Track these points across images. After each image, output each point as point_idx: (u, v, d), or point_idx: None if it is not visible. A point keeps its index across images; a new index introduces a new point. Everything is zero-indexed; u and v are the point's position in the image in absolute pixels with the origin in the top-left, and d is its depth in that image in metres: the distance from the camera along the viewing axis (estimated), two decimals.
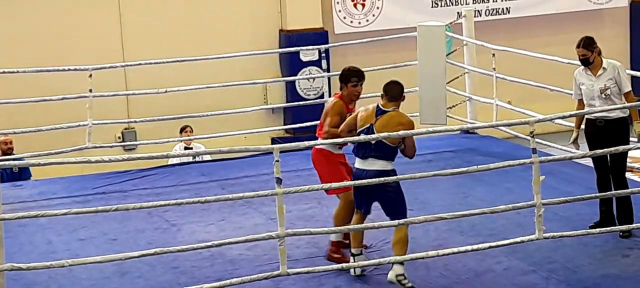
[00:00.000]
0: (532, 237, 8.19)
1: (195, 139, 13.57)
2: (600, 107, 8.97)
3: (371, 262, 8.18)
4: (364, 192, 8.07)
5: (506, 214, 8.83)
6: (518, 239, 8.27)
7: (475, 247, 8.31)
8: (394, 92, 8.25)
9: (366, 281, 8.14)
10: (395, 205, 8.11)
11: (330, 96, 13.94)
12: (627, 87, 9.10)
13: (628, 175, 11.91)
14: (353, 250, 8.25)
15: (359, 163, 8.14)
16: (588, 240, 8.67)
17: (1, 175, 12.05)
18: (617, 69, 9.12)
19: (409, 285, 7.87)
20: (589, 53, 9.18)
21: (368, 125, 8.09)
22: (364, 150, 8.06)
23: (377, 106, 8.18)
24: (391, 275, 7.90)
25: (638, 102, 8.86)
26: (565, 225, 9.04)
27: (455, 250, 8.22)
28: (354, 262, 8.18)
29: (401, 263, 7.89)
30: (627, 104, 8.92)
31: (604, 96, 9.07)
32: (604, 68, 9.14)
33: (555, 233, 8.33)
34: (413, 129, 8.08)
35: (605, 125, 8.99)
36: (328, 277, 8.16)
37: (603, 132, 9.00)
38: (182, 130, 13.73)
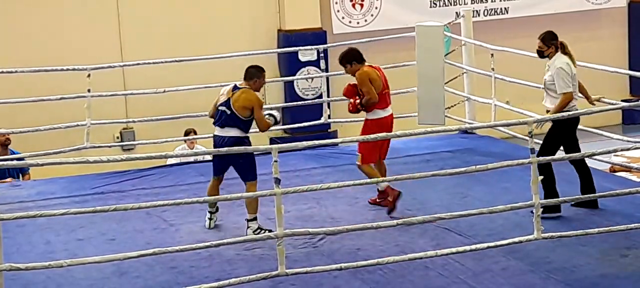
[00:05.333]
0: (530, 237, 8.21)
1: (197, 138, 13.56)
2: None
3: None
4: (220, 158, 9.41)
5: (504, 214, 8.84)
6: (516, 239, 8.29)
7: (473, 247, 8.32)
8: (248, 73, 9.48)
9: (365, 280, 8.14)
10: (246, 169, 9.33)
11: (328, 96, 13.97)
12: (561, 89, 9.37)
13: (628, 175, 11.96)
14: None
15: (218, 131, 9.38)
16: (586, 240, 8.67)
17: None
18: (556, 69, 9.39)
19: (266, 229, 9.03)
20: (544, 47, 9.53)
21: (226, 99, 9.34)
22: (221, 120, 9.36)
23: (235, 85, 9.46)
24: (249, 233, 9.11)
25: (558, 114, 9.10)
26: (563, 225, 9.05)
27: (453, 250, 8.24)
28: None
29: (253, 219, 9.21)
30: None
31: (546, 88, 9.52)
32: (549, 65, 9.48)
33: (553, 233, 8.35)
34: (260, 106, 9.37)
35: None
36: (326, 277, 8.16)
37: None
38: (187, 133, 13.69)
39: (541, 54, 9.57)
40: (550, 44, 9.49)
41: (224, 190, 10.82)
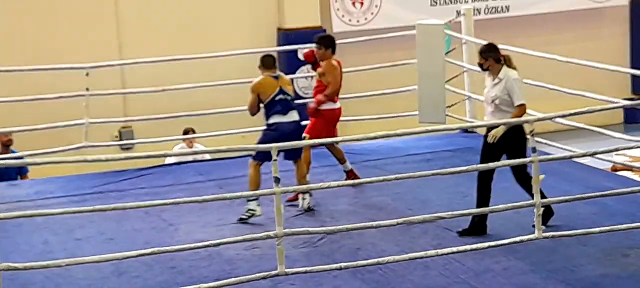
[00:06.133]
0: (531, 236, 8.19)
1: (196, 137, 13.53)
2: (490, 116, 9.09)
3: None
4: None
5: (505, 213, 8.82)
6: (517, 239, 8.27)
7: (474, 246, 8.30)
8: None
9: (365, 280, 8.11)
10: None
11: None
12: (519, 100, 8.98)
13: (628, 174, 11.94)
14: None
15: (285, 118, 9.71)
16: (587, 239, 8.65)
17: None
18: (511, 81, 8.98)
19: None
20: (482, 60, 9.12)
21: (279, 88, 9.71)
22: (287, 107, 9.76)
23: (272, 77, 9.76)
24: (305, 204, 9.81)
25: (523, 118, 8.79)
26: (564, 224, 9.02)
27: (454, 249, 8.22)
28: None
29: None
30: (512, 118, 8.85)
31: (493, 105, 9.05)
32: (499, 78, 9.05)
33: (554, 233, 8.33)
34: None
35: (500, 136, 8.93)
36: (326, 276, 8.13)
37: (497, 141, 8.97)
38: (186, 132, 13.67)
39: (481, 66, 9.17)
40: (487, 56, 9.09)
41: (224, 189, 10.81)
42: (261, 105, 9.76)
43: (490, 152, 8.98)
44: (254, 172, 9.66)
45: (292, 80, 10.03)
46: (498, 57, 9.08)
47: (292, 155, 9.80)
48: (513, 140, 8.90)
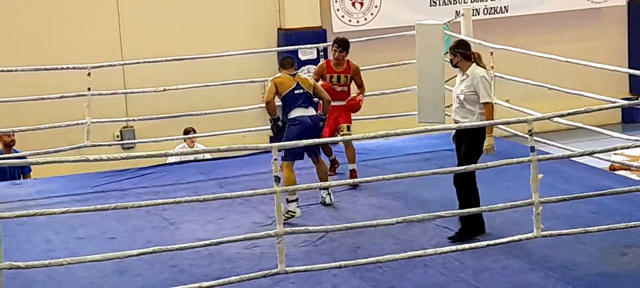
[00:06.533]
0: (530, 235, 8.20)
1: (197, 137, 13.56)
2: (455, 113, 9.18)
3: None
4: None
5: (504, 212, 8.84)
6: (516, 237, 8.28)
7: (473, 245, 8.32)
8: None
9: (365, 279, 8.14)
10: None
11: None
12: (485, 98, 9.01)
13: (626, 173, 11.96)
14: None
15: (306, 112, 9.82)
16: (586, 238, 8.67)
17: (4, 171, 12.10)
18: (477, 78, 9.01)
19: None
20: (452, 56, 9.18)
21: (295, 84, 9.83)
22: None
23: (290, 75, 9.88)
24: (327, 199, 10.01)
25: (487, 121, 8.82)
26: (563, 223, 9.04)
27: (453, 248, 8.24)
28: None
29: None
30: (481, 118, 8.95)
31: (458, 101, 9.10)
32: (467, 75, 9.10)
33: (553, 232, 8.34)
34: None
35: (460, 130, 9.01)
36: (326, 275, 8.16)
37: (459, 136, 9.08)
38: (187, 132, 13.70)
39: (451, 62, 9.26)
40: (456, 52, 9.14)
41: (225, 188, 10.84)
42: (278, 100, 9.85)
43: (465, 155, 9.05)
44: (288, 172, 9.58)
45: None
46: (467, 53, 9.13)
47: (314, 150, 9.84)
48: (472, 139, 8.97)
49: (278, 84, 9.80)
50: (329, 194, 10.01)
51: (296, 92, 9.77)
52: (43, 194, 11.05)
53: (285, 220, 9.38)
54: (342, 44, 10.83)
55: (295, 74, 9.97)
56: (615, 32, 18.88)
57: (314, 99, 9.96)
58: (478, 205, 8.89)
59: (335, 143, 10.90)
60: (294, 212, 9.58)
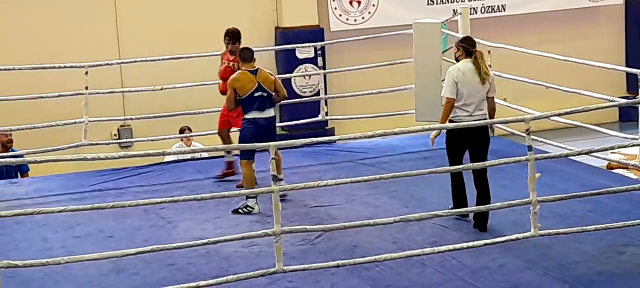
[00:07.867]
0: (527, 234, 8.21)
1: (194, 136, 13.56)
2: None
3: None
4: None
5: (501, 211, 8.85)
6: (513, 236, 8.29)
7: (470, 244, 8.32)
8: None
9: (362, 278, 8.15)
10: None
11: (326, 93, 13.98)
12: (442, 92, 9.30)
13: (623, 172, 11.97)
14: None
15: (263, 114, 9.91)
16: (583, 237, 8.68)
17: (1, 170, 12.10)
18: (446, 72, 9.26)
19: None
20: (456, 49, 9.39)
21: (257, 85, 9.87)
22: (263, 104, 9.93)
23: (251, 72, 9.89)
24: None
25: (490, 120, 9.01)
26: (560, 222, 9.06)
27: (450, 247, 8.25)
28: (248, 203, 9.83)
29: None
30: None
31: None
32: None
33: (550, 231, 8.35)
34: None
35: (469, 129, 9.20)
36: (324, 274, 8.17)
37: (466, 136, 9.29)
38: (182, 131, 13.71)
39: (455, 55, 9.43)
40: (459, 45, 9.30)
41: (222, 187, 10.84)
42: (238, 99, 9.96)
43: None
44: (247, 170, 9.84)
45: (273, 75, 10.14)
46: (469, 49, 9.23)
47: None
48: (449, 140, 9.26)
49: (238, 89, 9.88)
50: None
51: (255, 95, 9.85)
52: (40, 193, 11.05)
53: (241, 213, 9.73)
54: (233, 36, 10.93)
55: (256, 69, 9.95)
56: (612, 31, 18.89)
57: (273, 96, 10.02)
58: (464, 194, 9.12)
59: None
60: (253, 208, 9.78)
